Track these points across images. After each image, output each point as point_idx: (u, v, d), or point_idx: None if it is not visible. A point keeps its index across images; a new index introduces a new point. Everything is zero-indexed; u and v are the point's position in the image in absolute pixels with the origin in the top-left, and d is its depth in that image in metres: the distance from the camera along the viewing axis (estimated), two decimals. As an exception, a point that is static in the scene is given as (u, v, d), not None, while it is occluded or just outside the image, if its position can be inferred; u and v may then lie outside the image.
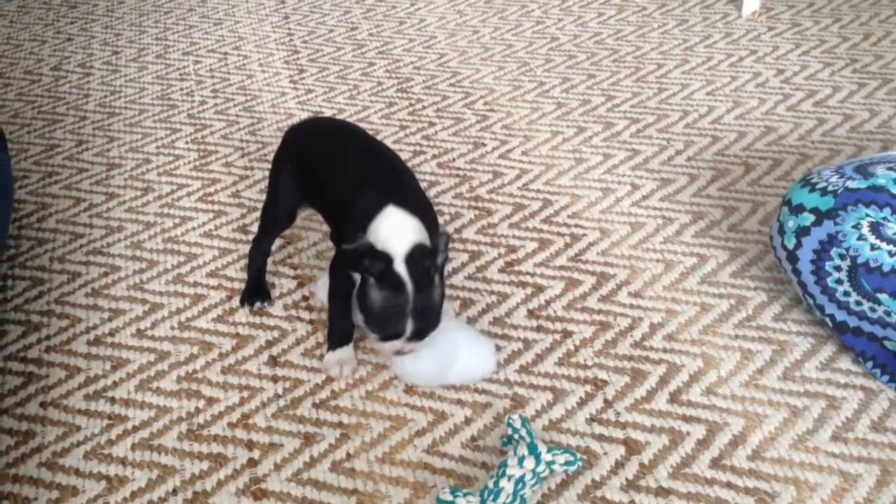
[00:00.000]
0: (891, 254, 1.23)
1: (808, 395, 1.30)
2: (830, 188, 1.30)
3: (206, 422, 1.30)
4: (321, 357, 1.39)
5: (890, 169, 1.28)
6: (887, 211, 1.24)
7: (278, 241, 1.61)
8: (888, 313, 1.25)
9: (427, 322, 1.24)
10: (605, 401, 1.31)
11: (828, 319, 1.33)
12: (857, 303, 1.28)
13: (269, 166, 1.55)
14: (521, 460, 1.13)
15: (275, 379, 1.37)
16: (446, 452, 1.24)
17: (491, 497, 1.11)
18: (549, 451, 1.16)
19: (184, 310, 1.52)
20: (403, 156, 1.86)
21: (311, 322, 1.48)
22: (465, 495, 1.13)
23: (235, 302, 1.53)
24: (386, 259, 1.20)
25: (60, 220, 1.76)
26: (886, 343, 1.28)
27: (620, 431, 1.26)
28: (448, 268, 1.58)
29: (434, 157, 1.92)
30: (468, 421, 1.29)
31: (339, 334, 1.38)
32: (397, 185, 1.34)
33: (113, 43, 2.52)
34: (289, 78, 2.28)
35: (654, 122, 2.00)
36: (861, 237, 1.25)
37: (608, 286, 1.53)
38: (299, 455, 1.25)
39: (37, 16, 2.73)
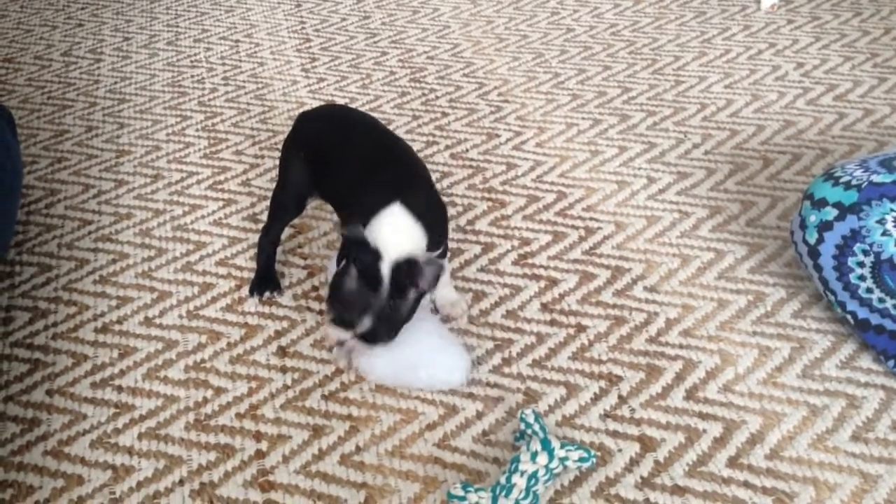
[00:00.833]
0: (916, 250, 1.20)
1: (828, 394, 1.27)
2: (854, 182, 1.27)
3: (214, 412, 1.29)
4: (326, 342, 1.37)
5: (916, 163, 1.25)
6: (913, 206, 1.21)
7: (288, 231, 1.59)
8: (912, 311, 1.22)
9: (382, 331, 1.22)
10: (620, 397, 1.28)
11: (849, 316, 1.30)
12: (880, 300, 1.25)
13: (280, 154, 1.53)
14: (533, 456, 1.11)
15: (284, 370, 1.35)
16: (457, 447, 1.22)
17: (503, 493, 1.09)
18: (562, 446, 1.13)
19: (192, 298, 1.50)
20: (416, 146, 1.83)
21: (320, 312, 1.45)
22: (476, 491, 1.10)
23: (244, 291, 1.51)
24: (375, 256, 1.19)
25: (69, 206, 1.75)
26: (909, 342, 1.26)
27: (635, 428, 1.24)
28: (460, 259, 1.55)
29: (447, 147, 1.89)
30: (480, 415, 1.26)
31: None
32: (407, 181, 1.31)
33: (124, 29, 2.50)
34: (300, 66, 2.25)
35: (671, 115, 1.97)
36: (885, 233, 1.22)
37: (623, 280, 1.50)
38: (308, 447, 1.23)
39: (47, 1, 2.72)
